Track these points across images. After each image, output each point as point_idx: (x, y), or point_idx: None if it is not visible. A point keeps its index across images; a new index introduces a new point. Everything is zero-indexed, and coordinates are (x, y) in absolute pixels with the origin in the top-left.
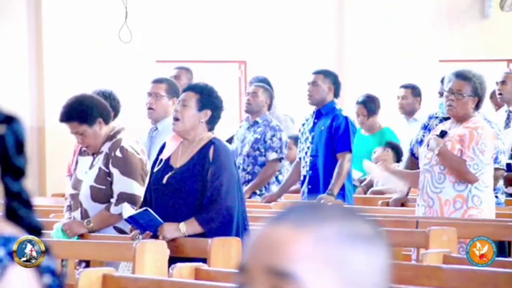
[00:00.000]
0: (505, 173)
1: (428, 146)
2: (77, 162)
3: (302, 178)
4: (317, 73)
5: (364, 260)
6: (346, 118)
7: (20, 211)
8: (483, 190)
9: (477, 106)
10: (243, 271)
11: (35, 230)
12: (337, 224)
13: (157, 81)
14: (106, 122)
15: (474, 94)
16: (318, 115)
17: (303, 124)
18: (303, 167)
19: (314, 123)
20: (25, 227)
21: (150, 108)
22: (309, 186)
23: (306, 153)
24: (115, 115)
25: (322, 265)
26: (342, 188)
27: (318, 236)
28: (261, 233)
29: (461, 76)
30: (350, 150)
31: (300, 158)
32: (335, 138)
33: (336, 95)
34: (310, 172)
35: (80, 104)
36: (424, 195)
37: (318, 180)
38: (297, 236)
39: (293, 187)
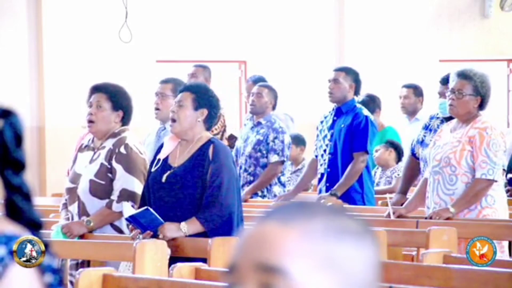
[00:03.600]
0: (505, 172)
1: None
2: (74, 160)
3: (319, 176)
4: (339, 70)
5: (351, 255)
6: (367, 117)
7: (21, 204)
8: (496, 189)
9: (481, 106)
10: (232, 270)
11: (35, 224)
12: (324, 219)
13: (164, 82)
14: (124, 120)
15: (475, 93)
16: (338, 113)
17: (322, 122)
18: (321, 165)
19: (334, 121)
20: (25, 221)
21: (156, 109)
22: (327, 184)
23: (324, 150)
24: None
25: (310, 259)
26: (361, 187)
27: (305, 230)
28: (249, 232)
29: (462, 75)
30: (366, 151)
31: (316, 156)
32: (354, 136)
33: (357, 93)
34: (328, 170)
35: (120, 88)
36: (435, 197)
37: (337, 178)
38: (284, 232)
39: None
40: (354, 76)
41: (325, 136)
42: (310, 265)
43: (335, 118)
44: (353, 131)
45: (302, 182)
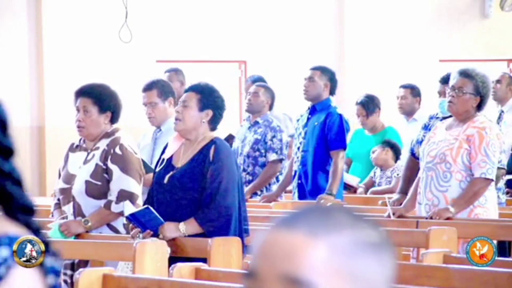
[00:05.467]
0: (505, 172)
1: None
2: (66, 160)
3: (293, 173)
4: (314, 69)
5: (374, 269)
6: (340, 115)
7: (12, 190)
8: (489, 189)
9: (480, 106)
10: (253, 276)
11: (27, 209)
12: (350, 231)
13: (147, 89)
14: (113, 119)
15: (475, 93)
16: (312, 111)
17: (298, 120)
18: (295, 162)
19: (308, 119)
20: (18, 207)
21: (150, 117)
22: (299, 181)
23: (298, 148)
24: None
25: (336, 274)
26: None
27: (332, 244)
28: (271, 237)
29: (464, 73)
30: (344, 148)
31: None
32: (329, 135)
33: (332, 92)
34: (301, 167)
35: (104, 89)
36: (427, 194)
37: (308, 175)
38: (311, 244)
39: (290, 187)
40: (329, 75)
41: (300, 134)
42: (335, 280)
43: (309, 116)
44: (328, 130)
45: (284, 183)
